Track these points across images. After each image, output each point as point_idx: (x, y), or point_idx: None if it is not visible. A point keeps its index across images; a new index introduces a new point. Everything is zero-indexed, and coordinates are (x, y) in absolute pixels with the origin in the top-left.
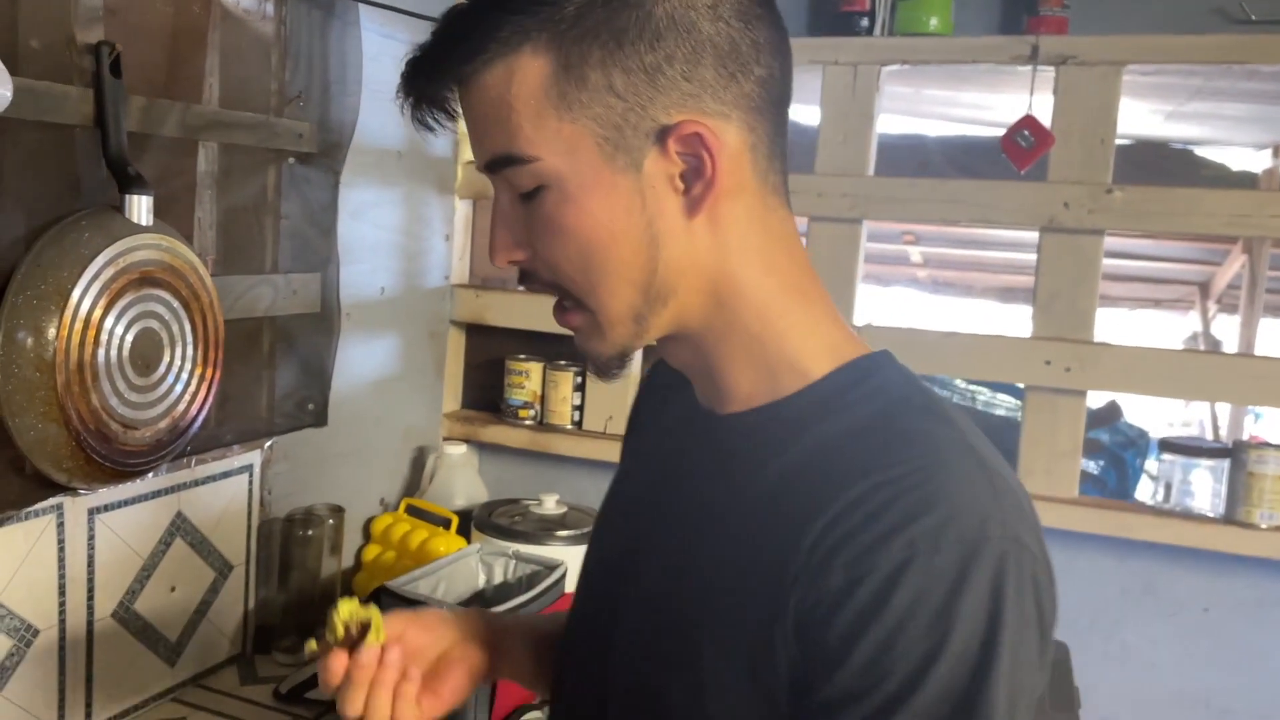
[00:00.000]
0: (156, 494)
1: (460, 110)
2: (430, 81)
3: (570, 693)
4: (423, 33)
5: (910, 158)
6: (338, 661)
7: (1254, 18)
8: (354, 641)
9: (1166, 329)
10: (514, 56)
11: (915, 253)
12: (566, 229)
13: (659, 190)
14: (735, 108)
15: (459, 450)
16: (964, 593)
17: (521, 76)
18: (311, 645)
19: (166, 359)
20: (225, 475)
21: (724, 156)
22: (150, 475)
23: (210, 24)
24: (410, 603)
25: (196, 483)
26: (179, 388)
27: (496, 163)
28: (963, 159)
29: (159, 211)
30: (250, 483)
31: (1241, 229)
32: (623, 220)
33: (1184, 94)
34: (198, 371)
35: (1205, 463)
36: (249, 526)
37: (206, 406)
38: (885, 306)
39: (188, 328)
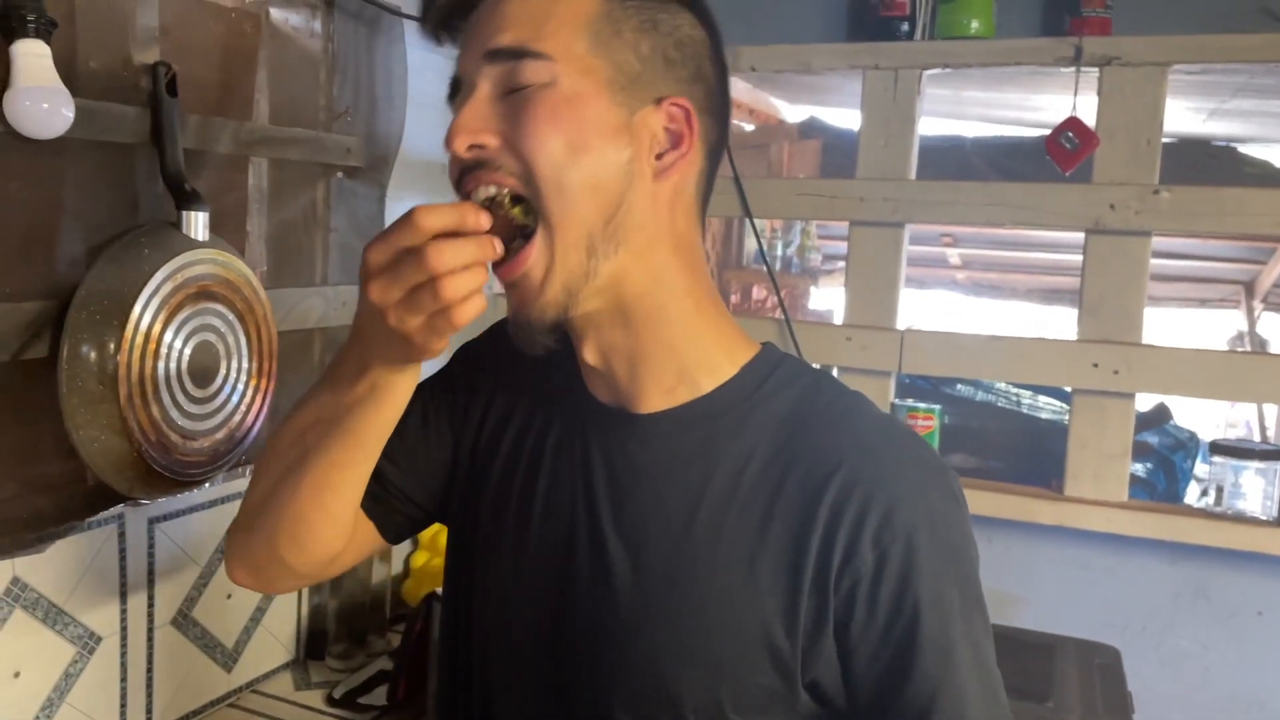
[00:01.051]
0: (213, 503)
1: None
2: None
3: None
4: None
5: (949, 159)
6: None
7: None
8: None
9: (1211, 328)
10: None
11: (954, 255)
12: (559, 121)
13: (641, 140)
14: (710, 129)
15: None
16: (954, 518)
17: (569, 3)
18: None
19: (223, 371)
20: None
21: (696, 141)
22: (207, 484)
23: (260, 42)
24: None
25: None
26: (235, 398)
27: (506, 52)
28: (1003, 161)
29: (213, 226)
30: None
31: None
32: (607, 139)
33: (1227, 91)
34: (253, 383)
35: (1256, 465)
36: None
37: (262, 416)
38: (924, 309)
39: (243, 340)
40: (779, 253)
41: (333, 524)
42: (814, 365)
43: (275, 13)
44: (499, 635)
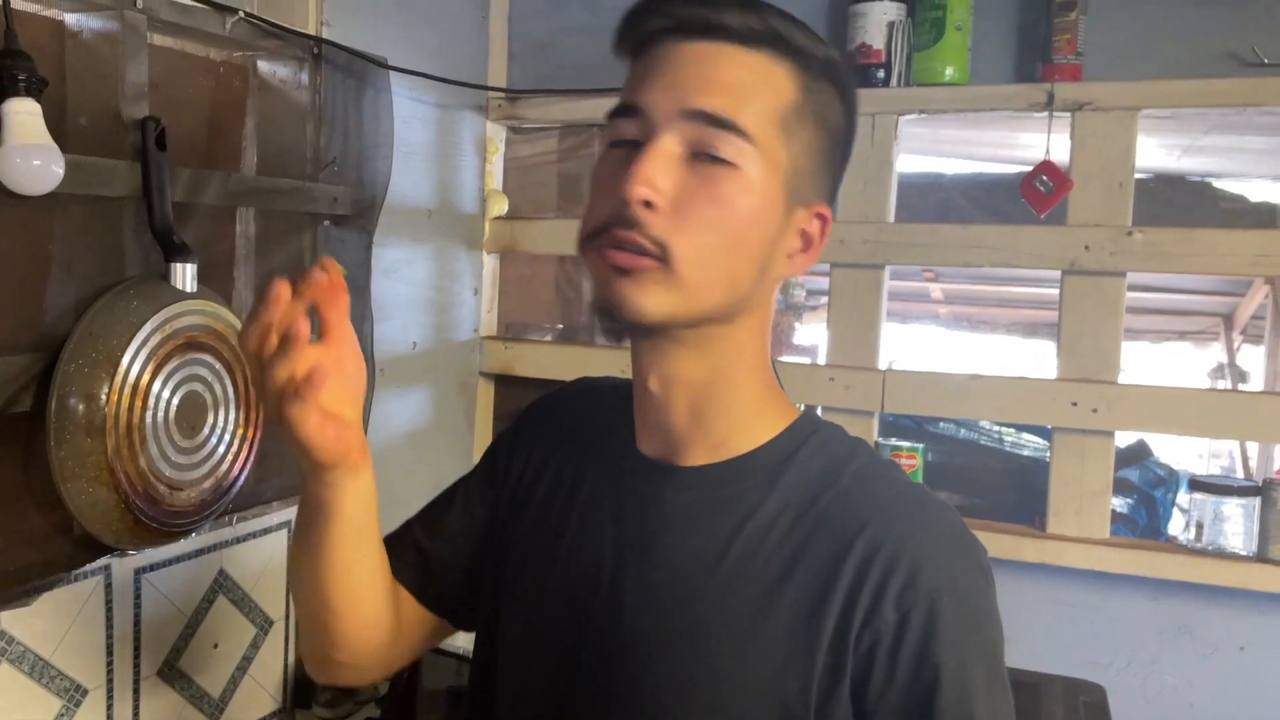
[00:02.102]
0: (200, 552)
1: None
2: (697, 15)
3: None
4: (451, 95)
5: (929, 196)
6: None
7: (1266, 60)
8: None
9: (1192, 361)
10: (775, 65)
11: (936, 289)
12: (736, 211)
13: (784, 243)
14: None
15: None
16: (989, 600)
17: (774, 84)
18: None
19: (211, 421)
20: (265, 532)
21: (823, 246)
22: (194, 534)
23: (248, 95)
24: (448, 656)
25: (238, 540)
26: (222, 449)
27: (712, 117)
28: (983, 197)
29: (201, 277)
30: (289, 539)
31: (1263, 269)
32: (768, 238)
33: (1200, 128)
34: (240, 432)
35: (1235, 501)
36: (288, 582)
37: (249, 465)
38: (906, 344)
39: (230, 390)
40: None
41: (359, 612)
42: (850, 435)
43: (263, 65)
44: (518, 673)
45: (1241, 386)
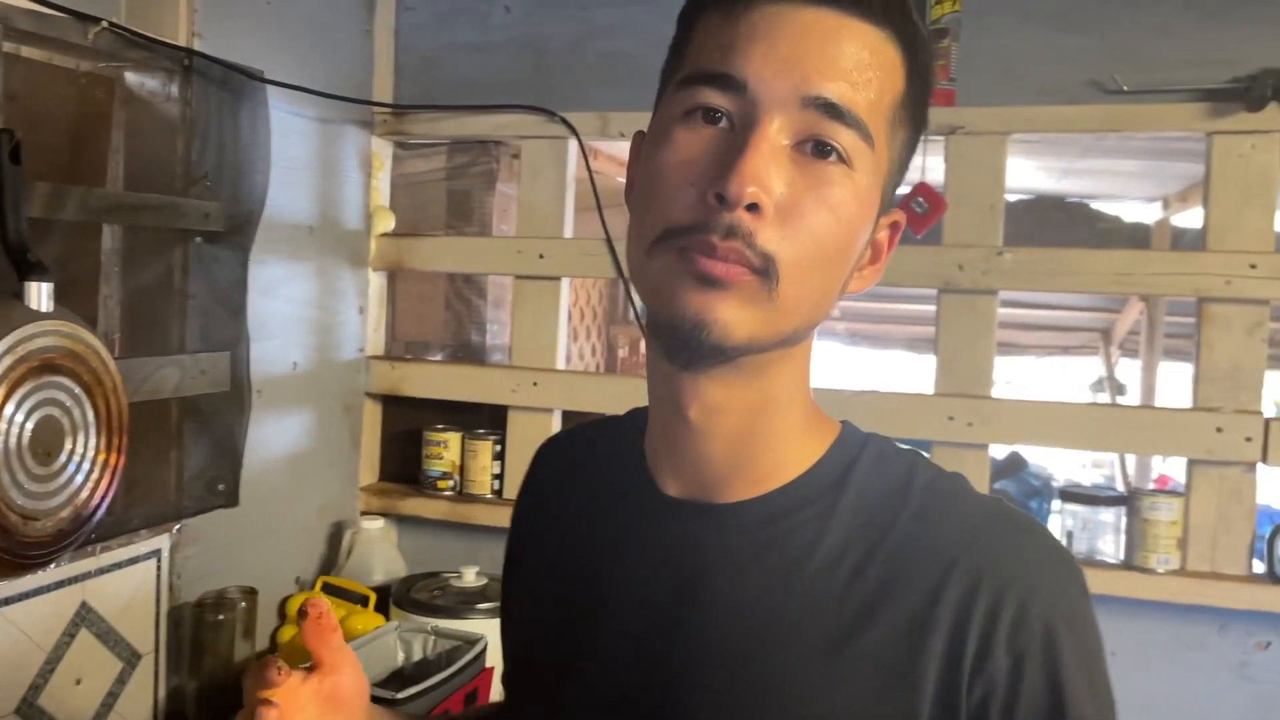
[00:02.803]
0: (59, 584)
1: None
2: None
3: None
4: (334, 109)
5: None
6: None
7: (1125, 88)
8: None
9: (1074, 374)
10: (891, 44)
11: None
12: (844, 218)
13: (863, 246)
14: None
15: (376, 525)
16: (1089, 615)
17: (891, 70)
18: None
19: (68, 447)
20: (132, 561)
21: (889, 256)
22: (53, 566)
23: (114, 107)
24: None
25: (102, 570)
26: (80, 476)
27: (834, 109)
28: None
29: (63, 295)
30: (159, 568)
31: (1125, 287)
32: (857, 250)
33: (1075, 151)
34: (101, 458)
35: (1104, 510)
36: (157, 613)
37: (110, 493)
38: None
39: (90, 414)
40: None
41: None
42: (901, 444)
43: (130, 77)
44: None
45: (1120, 399)
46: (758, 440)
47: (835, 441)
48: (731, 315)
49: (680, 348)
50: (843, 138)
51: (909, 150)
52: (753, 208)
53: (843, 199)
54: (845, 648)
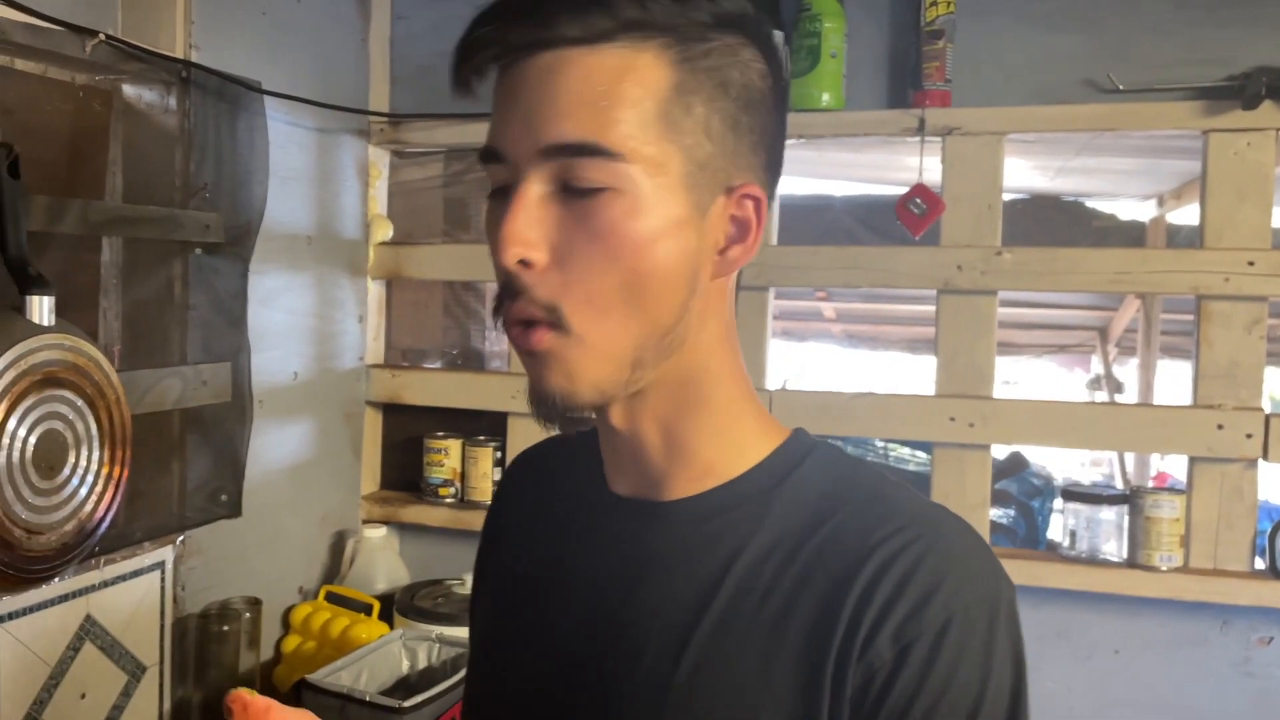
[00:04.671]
0: (63, 598)
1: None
2: (525, 32)
3: None
4: (330, 119)
5: (819, 218)
6: None
7: (1121, 87)
8: None
9: (1071, 373)
10: (636, 53)
11: (828, 308)
12: (624, 240)
13: (707, 241)
14: (769, 199)
15: (379, 533)
16: (995, 643)
17: (638, 77)
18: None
19: (72, 460)
20: (136, 574)
21: (763, 228)
22: (57, 579)
23: (112, 120)
24: (332, 696)
25: (106, 583)
26: (84, 490)
27: (570, 149)
28: (871, 218)
29: (63, 308)
30: (163, 580)
31: (1123, 286)
32: (678, 254)
33: (1070, 150)
34: (104, 471)
35: (1106, 509)
36: (162, 625)
37: (114, 506)
38: (802, 363)
39: (93, 427)
40: None
41: None
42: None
43: (128, 90)
44: None
45: (1118, 397)
46: (687, 441)
47: (781, 445)
48: (562, 382)
49: (555, 416)
50: (591, 171)
51: (732, 118)
52: (525, 264)
53: (616, 220)
54: (771, 643)
